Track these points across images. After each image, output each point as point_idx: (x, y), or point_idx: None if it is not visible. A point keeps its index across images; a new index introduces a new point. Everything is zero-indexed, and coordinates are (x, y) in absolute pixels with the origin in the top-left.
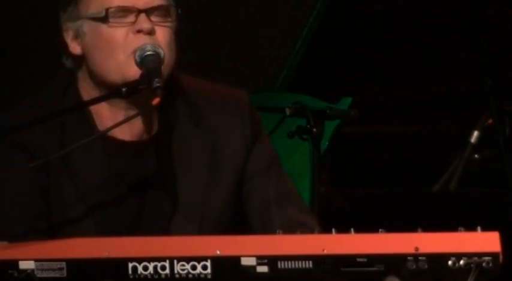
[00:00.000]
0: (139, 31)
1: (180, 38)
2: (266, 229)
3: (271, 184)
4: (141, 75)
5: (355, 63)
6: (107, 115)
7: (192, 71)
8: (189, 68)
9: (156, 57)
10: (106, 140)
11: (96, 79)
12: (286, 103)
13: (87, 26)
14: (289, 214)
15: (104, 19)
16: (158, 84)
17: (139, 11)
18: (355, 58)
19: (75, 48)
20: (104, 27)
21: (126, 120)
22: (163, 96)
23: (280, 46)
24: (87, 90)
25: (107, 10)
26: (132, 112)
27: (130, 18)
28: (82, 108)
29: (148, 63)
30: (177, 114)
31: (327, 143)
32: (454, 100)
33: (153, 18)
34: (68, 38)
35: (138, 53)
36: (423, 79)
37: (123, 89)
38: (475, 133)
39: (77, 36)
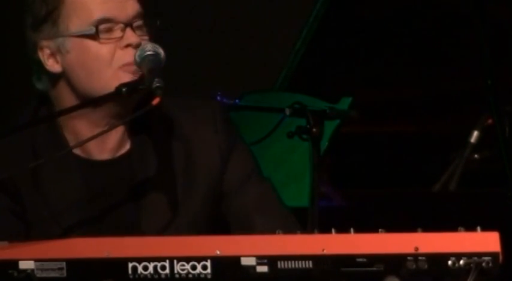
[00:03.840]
0: (127, 46)
1: (181, 39)
2: None
3: (251, 194)
4: (141, 75)
5: (355, 63)
6: (86, 135)
7: (192, 71)
8: (189, 67)
9: (156, 57)
10: (80, 161)
11: (80, 96)
12: (286, 103)
13: (70, 44)
14: (270, 222)
15: (94, 36)
16: (159, 84)
17: (125, 25)
18: (355, 58)
19: (53, 66)
20: (91, 44)
21: (98, 134)
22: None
23: (280, 46)
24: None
25: (96, 27)
26: (112, 131)
27: (117, 33)
28: (56, 116)
29: (148, 63)
30: (150, 129)
31: (327, 143)
32: (454, 100)
33: (137, 32)
34: (44, 56)
35: (138, 53)
36: (423, 79)
37: (123, 89)
38: (475, 133)
39: (54, 53)
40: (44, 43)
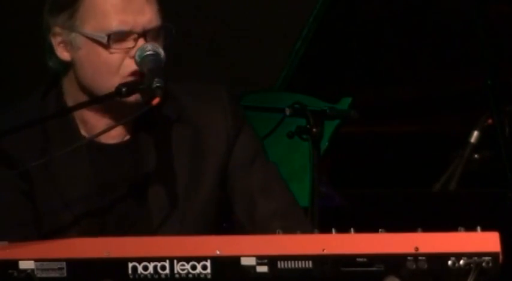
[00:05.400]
0: None
1: (181, 40)
2: (251, 219)
3: (256, 176)
4: (141, 75)
5: (355, 63)
6: (92, 121)
7: (192, 71)
8: (189, 67)
9: (156, 57)
10: (89, 145)
11: (84, 88)
12: (286, 103)
13: (82, 42)
14: (273, 204)
15: (105, 45)
16: (158, 84)
17: (139, 36)
18: (355, 58)
19: (63, 53)
20: (101, 50)
21: (113, 127)
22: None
23: (280, 46)
24: (74, 95)
25: (108, 36)
26: (118, 116)
27: (129, 43)
28: (68, 113)
29: (148, 63)
30: (158, 112)
31: (327, 143)
32: (454, 100)
33: (149, 39)
34: (56, 41)
35: (138, 53)
36: (423, 79)
37: (123, 89)
38: (475, 133)
39: (66, 44)
40: (58, 30)
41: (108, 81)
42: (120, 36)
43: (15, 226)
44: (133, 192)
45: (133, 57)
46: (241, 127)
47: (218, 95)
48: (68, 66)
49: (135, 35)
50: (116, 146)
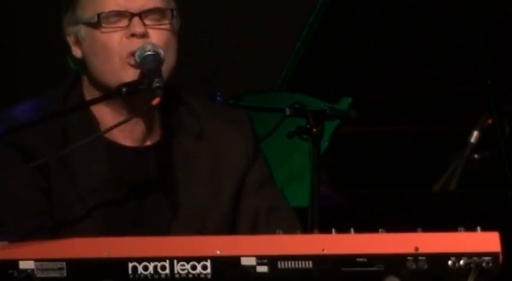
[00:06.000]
0: (132, 35)
1: (180, 39)
2: None
3: (263, 199)
4: (141, 75)
5: (355, 63)
6: (111, 122)
7: (192, 71)
8: (189, 68)
9: (156, 57)
10: (108, 144)
11: (95, 83)
12: (286, 103)
13: (84, 31)
14: (276, 225)
15: (96, 25)
16: (158, 84)
17: (133, 15)
18: (355, 58)
19: (77, 52)
20: (98, 33)
21: (125, 121)
22: (167, 104)
23: (280, 46)
24: (92, 94)
25: (98, 15)
26: (135, 118)
27: (124, 22)
28: (77, 109)
29: (148, 63)
30: (179, 124)
31: (327, 143)
32: (454, 100)
33: (147, 21)
34: (71, 42)
35: (138, 53)
36: (423, 79)
37: (123, 89)
38: (475, 133)
39: (77, 40)
40: (69, 29)
41: (111, 63)
42: (113, 16)
43: (31, 216)
44: (149, 193)
45: (131, 37)
46: (258, 152)
47: (241, 119)
48: (84, 66)
49: (130, 15)
50: (134, 150)
